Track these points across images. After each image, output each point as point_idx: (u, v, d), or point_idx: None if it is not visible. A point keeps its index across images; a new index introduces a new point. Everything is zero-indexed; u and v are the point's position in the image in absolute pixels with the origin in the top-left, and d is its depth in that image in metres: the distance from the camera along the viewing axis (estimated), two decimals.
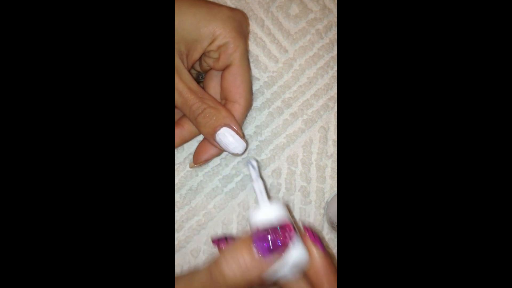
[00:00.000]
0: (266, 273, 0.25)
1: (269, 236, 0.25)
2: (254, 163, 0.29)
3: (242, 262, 0.24)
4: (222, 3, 0.39)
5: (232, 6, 0.39)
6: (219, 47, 0.31)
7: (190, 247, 0.36)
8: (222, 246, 0.28)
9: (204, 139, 0.34)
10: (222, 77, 0.33)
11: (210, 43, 0.31)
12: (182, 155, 0.37)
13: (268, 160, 0.37)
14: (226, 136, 0.30)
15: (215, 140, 0.31)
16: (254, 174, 0.29)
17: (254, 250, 0.24)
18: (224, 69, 0.33)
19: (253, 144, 0.38)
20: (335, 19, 0.40)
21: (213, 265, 0.25)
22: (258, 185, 0.28)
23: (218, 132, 0.30)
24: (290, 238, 0.25)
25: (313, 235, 0.27)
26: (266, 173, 0.37)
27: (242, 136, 0.31)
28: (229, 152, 0.31)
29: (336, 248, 0.37)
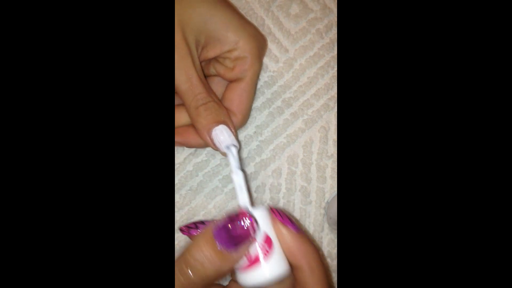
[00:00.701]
0: (236, 264, 0.25)
1: (228, 228, 0.24)
2: (234, 151, 0.27)
3: (209, 257, 0.24)
4: None
5: None
6: (237, 58, 0.32)
7: None
8: (194, 233, 0.28)
9: (190, 127, 0.33)
10: (229, 87, 0.33)
11: (229, 51, 0.31)
12: (182, 155, 0.37)
13: (269, 160, 0.37)
14: (223, 133, 0.30)
15: (209, 134, 0.30)
16: (233, 164, 0.27)
17: (217, 244, 0.24)
18: (234, 81, 0.33)
19: (253, 144, 0.38)
20: (336, 19, 0.40)
21: (182, 263, 0.24)
22: (238, 179, 0.27)
23: (216, 128, 0.30)
24: (251, 228, 0.24)
25: (281, 217, 0.26)
26: (266, 173, 0.37)
27: (236, 137, 0.31)
28: (220, 150, 0.31)
29: (336, 248, 0.37)
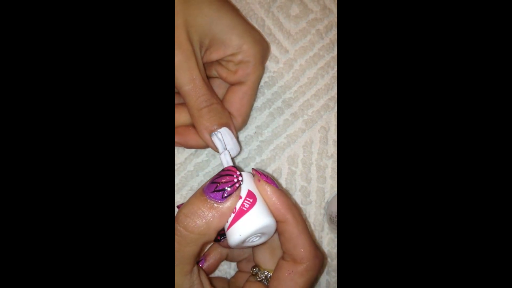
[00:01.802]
0: (226, 220, 0.26)
1: (215, 181, 0.26)
2: (220, 135, 0.30)
3: (201, 212, 0.25)
4: None
5: None
6: (240, 62, 0.32)
7: None
8: None
9: (190, 127, 0.33)
10: (231, 90, 0.33)
11: (233, 54, 0.32)
12: (183, 155, 0.37)
13: (269, 160, 0.37)
14: (226, 136, 0.30)
15: (210, 135, 0.30)
16: (220, 146, 0.30)
17: (206, 197, 0.26)
18: (235, 84, 0.33)
19: (253, 144, 0.38)
20: (336, 19, 0.40)
21: (175, 222, 0.26)
22: (225, 157, 0.29)
23: (219, 130, 0.30)
24: (236, 178, 0.26)
25: (265, 176, 0.27)
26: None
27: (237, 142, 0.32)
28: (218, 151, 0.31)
29: (336, 248, 0.37)
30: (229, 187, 0.26)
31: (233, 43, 0.31)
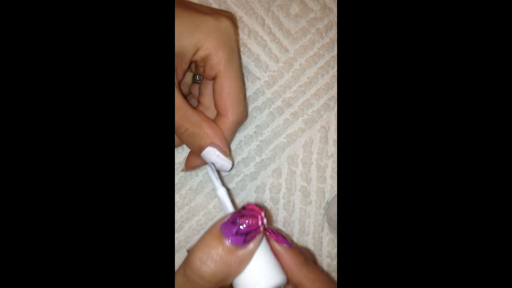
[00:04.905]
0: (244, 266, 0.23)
1: (237, 221, 0.23)
2: (211, 168, 0.28)
3: (217, 256, 0.22)
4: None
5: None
6: (203, 59, 0.30)
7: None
8: None
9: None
10: (212, 88, 0.32)
11: (194, 54, 0.29)
12: (182, 155, 0.37)
13: (269, 160, 0.37)
14: (212, 155, 0.30)
15: (201, 157, 0.31)
16: (215, 182, 0.27)
17: (225, 240, 0.23)
18: (213, 79, 0.31)
19: (253, 144, 0.38)
20: (336, 19, 0.40)
21: (187, 268, 0.23)
22: (221, 194, 0.27)
23: (204, 152, 0.30)
24: (261, 220, 0.23)
25: (274, 234, 0.26)
26: (266, 173, 0.37)
27: (228, 154, 0.30)
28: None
29: (336, 248, 0.37)
30: (252, 230, 0.23)
31: (188, 48, 0.29)
